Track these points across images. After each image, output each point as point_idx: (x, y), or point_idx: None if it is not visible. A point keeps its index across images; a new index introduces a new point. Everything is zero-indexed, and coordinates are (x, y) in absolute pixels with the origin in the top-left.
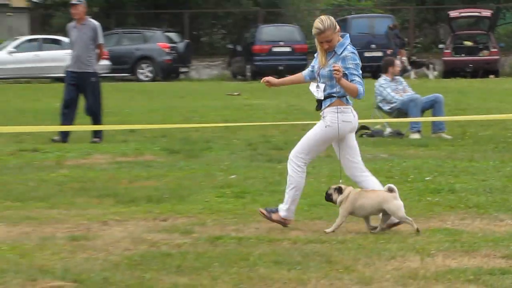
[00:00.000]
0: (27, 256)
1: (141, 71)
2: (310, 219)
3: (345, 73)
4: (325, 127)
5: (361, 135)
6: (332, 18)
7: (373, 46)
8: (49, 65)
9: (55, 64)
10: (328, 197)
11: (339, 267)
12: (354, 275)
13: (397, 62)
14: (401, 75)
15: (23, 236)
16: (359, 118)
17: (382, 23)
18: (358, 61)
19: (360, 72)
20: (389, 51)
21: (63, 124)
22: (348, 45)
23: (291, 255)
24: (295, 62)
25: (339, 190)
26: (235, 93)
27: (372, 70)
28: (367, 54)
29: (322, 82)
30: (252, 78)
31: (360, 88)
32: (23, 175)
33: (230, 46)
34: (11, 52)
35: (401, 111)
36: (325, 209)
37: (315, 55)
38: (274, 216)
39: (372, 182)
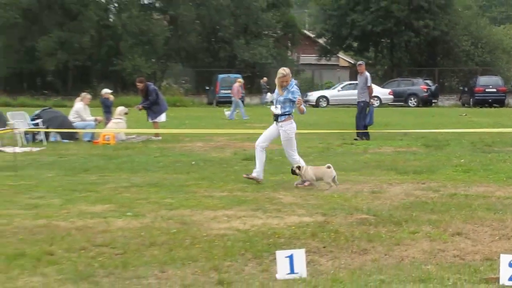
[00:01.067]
0: (348, 200)
1: (410, 101)
2: (506, 185)
3: (293, 99)
4: (283, 131)
5: None
6: (288, 69)
7: None
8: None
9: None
10: (293, 172)
11: None
12: None
13: None
14: None
15: (344, 190)
16: None
17: None
18: (299, 93)
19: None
20: None
21: (360, 128)
22: (294, 84)
23: (496, 205)
24: (498, 98)
25: (299, 168)
26: (464, 114)
27: None
28: None
29: (278, 104)
30: (473, 106)
31: (304, 108)
32: (345, 157)
33: (461, 87)
34: (339, 90)
35: None
36: None
37: (276, 91)
38: (251, 175)
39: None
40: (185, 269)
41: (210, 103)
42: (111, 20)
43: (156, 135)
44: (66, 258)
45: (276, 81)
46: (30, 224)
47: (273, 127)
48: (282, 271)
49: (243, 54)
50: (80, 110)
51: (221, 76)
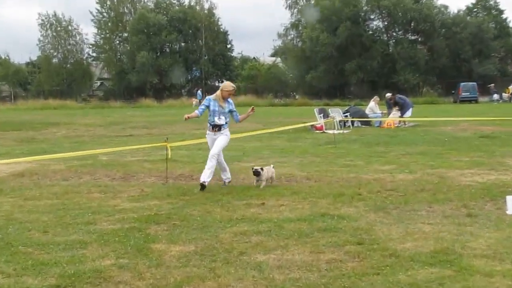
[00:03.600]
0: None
1: None
2: None
3: (234, 110)
4: (226, 136)
5: None
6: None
7: None
8: None
9: None
10: (257, 173)
11: None
12: None
13: None
14: None
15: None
16: None
17: None
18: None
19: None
20: None
21: None
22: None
23: None
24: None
25: (262, 169)
26: None
27: None
28: None
29: (223, 116)
30: None
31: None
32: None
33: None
34: None
35: None
36: None
37: (209, 101)
38: (225, 183)
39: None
40: (444, 206)
41: (454, 102)
42: (390, 50)
43: (405, 123)
44: (369, 197)
45: (222, 94)
46: (345, 176)
47: (213, 140)
48: (511, 209)
49: (477, 69)
50: (372, 107)
51: (462, 83)
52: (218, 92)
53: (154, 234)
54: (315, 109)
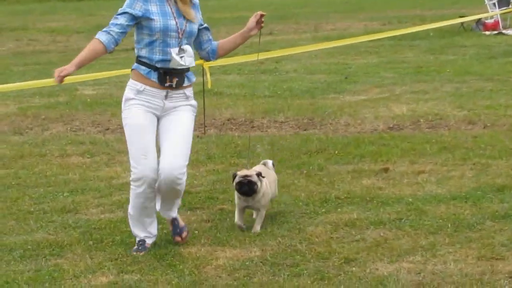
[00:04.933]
0: None
1: None
2: None
3: (205, 26)
4: (193, 113)
5: None
6: None
7: None
8: None
9: None
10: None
11: None
12: None
13: None
14: None
15: None
16: None
17: None
18: None
19: None
20: None
21: None
22: None
23: None
24: None
25: (260, 176)
26: None
27: None
28: None
29: (186, 45)
30: None
31: None
32: None
33: None
34: None
35: None
36: None
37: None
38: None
39: None
40: None
41: None
42: None
43: None
44: None
45: None
46: None
47: (151, 117)
48: None
49: None
50: None
51: None
52: None
53: None
54: None
